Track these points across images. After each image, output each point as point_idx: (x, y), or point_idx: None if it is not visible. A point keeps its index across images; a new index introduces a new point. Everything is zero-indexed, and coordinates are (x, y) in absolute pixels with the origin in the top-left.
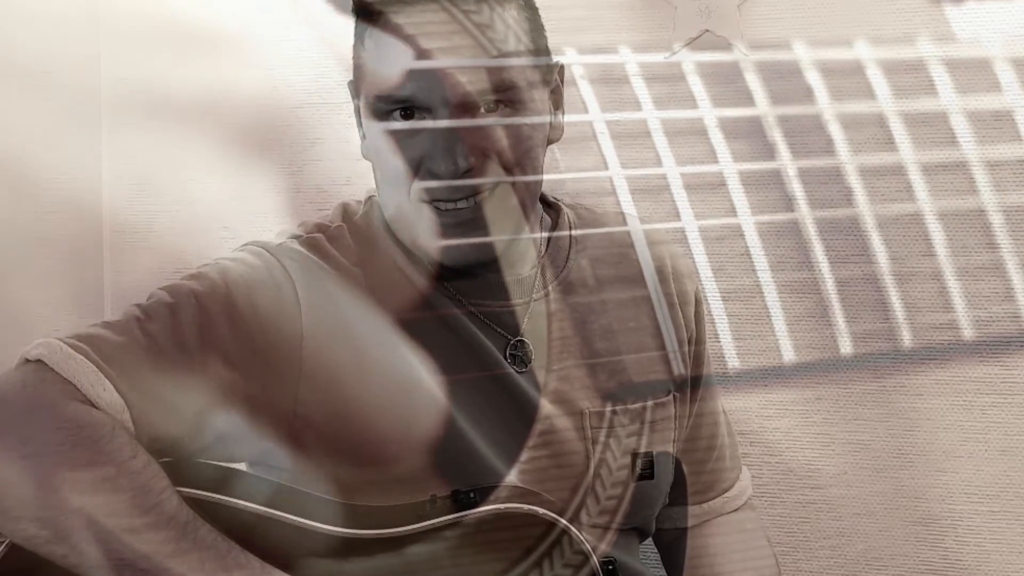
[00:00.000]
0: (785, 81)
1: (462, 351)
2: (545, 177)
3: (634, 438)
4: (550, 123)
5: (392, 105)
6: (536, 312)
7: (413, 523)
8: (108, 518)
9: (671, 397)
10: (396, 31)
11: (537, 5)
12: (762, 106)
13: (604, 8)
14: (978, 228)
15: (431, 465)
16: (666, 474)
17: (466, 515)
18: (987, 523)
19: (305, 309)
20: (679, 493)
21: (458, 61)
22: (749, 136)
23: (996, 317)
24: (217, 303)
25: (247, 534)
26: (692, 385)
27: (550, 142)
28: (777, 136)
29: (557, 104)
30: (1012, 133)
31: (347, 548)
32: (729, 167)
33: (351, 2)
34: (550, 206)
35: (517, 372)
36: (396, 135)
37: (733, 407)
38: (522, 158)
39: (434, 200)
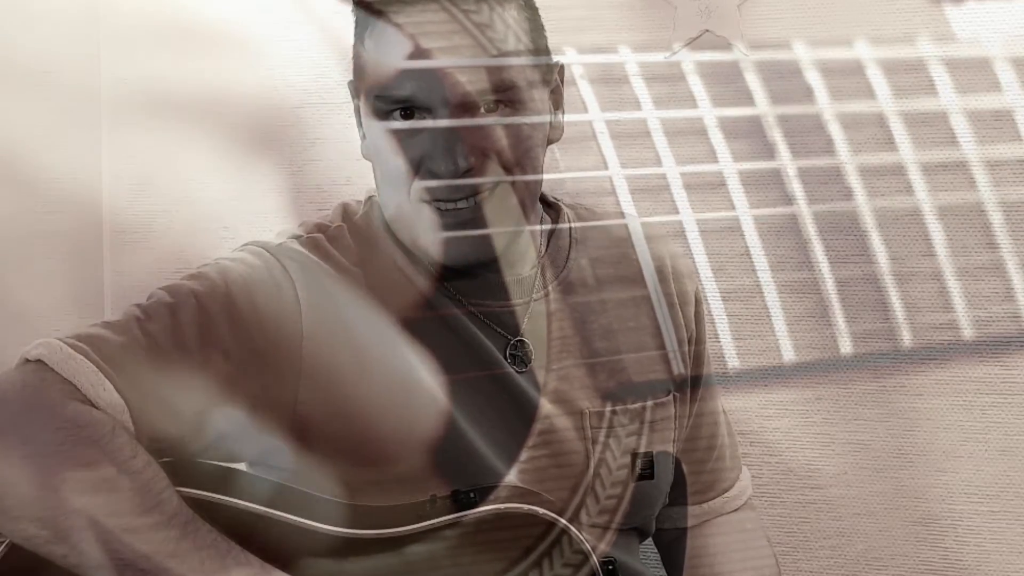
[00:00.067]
0: (785, 81)
1: (462, 351)
2: (545, 177)
3: (634, 438)
4: (550, 123)
5: (392, 105)
6: (536, 312)
7: (413, 523)
8: (108, 518)
9: (671, 397)
10: (396, 31)
11: (537, 5)
12: (762, 106)
13: (604, 8)
14: (978, 228)
15: (431, 465)
16: (666, 474)
17: (466, 515)
18: (987, 523)
19: (305, 309)
20: (679, 493)
21: (458, 61)
22: (749, 136)
23: (996, 317)
24: (217, 303)
25: (247, 534)
26: (692, 385)
27: (550, 142)
28: (777, 136)
29: (557, 104)
30: (1012, 133)
31: (347, 548)
32: (729, 167)
33: (351, 2)
34: (550, 206)
35: (517, 372)
36: (396, 135)
37: (733, 407)
38: (522, 158)
39: (434, 200)
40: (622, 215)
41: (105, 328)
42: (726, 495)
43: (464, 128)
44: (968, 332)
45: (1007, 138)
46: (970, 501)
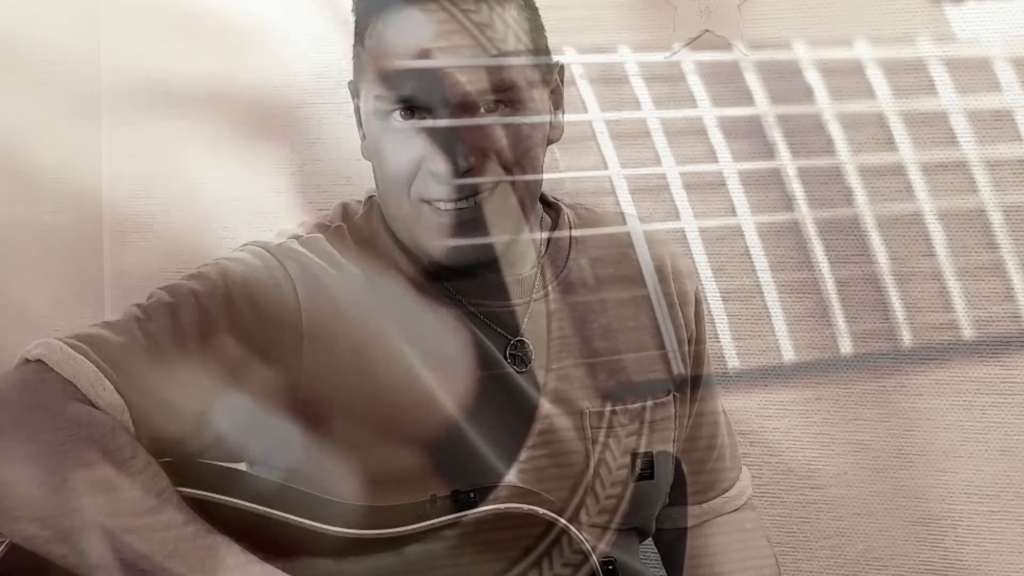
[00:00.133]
0: (785, 81)
1: (462, 351)
2: (545, 177)
3: (634, 438)
4: (550, 123)
5: (392, 105)
6: (536, 312)
7: (413, 523)
8: (108, 518)
9: (671, 397)
10: (396, 31)
11: (537, 5)
12: (762, 106)
13: (604, 8)
14: (978, 228)
15: (431, 465)
16: (666, 474)
17: (466, 515)
18: (987, 523)
19: (305, 309)
20: (679, 493)
21: (458, 60)
22: (749, 136)
23: (996, 317)
24: (217, 303)
25: (247, 534)
26: (692, 385)
27: (550, 142)
28: (777, 136)
29: (557, 104)
30: (1012, 133)
31: (347, 548)
32: (729, 167)
33: (351, 2)
34: (550, 206)
35: (517, 372)
36: (396, 135)
37: (733, 407)
38: (522, 158)
39: (434, 200)
40: (622, 215)
41: (105, 328)
42: (726, 495)
43: (464, 128)
44: (968, 332)
45: (1007, 138)
46: (970, 501)
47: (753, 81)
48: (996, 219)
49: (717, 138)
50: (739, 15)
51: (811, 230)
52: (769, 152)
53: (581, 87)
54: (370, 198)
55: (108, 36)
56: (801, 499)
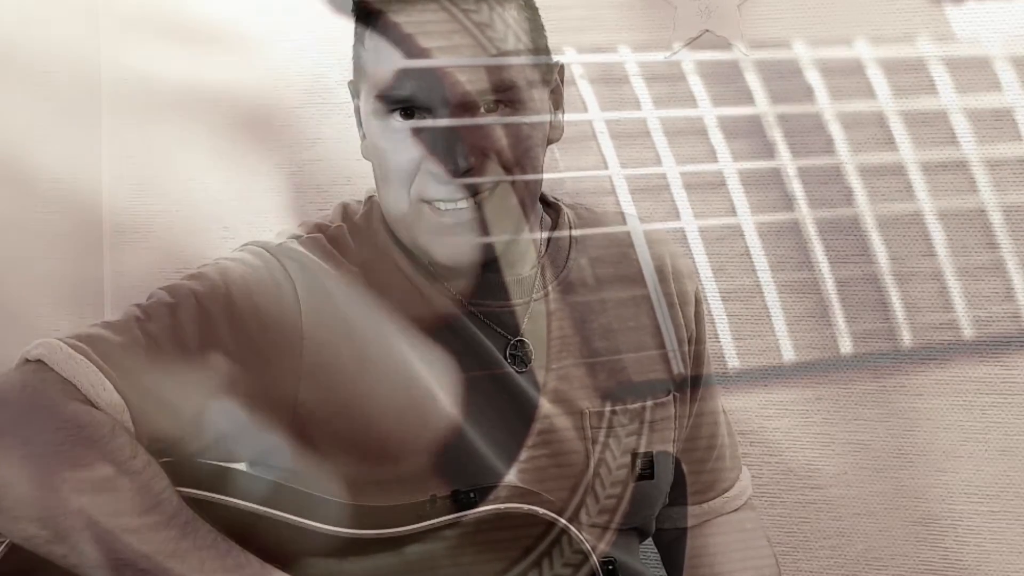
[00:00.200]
0: (785, 81)
1: (462, 351)
2: (545, 177)
3: (634, 438)
4: (550, 123)
5: (392, 105)
6: (536, 312)
7: (413, 523)
8: (108, 518)
9: (671, 397)
10: (396, 31)
11: (537, 5)
12: (762, 105)
13: (604, 8)
14: (978, 228)
15: (431, 465)
16: (666, 474)
17: (466, 515)
18: (987, 523)
19: (305, 309)
20: (679, 493)
21: (458, 60)
22: (749, 135)
23: (996, 317)
24: (217, 303)
25: (247, 534)
26: (692, 385)
27: (550, 142)
28: (777, 135)
29: (557, 104)
30: (1012, 132)
31: (347, 548)
32: (729, 166)
33: (351, 2)
34: (550, 206)
35: (517, 372)
36: (396, 135)
37: (733, 407)
38: (522, 158)
39: (434, 200)
40: (622, 215)
41: (105, 328)
42: (726, 495)
43: (464, 128)
44: (968, 332)
45: (1007, 138)
46: (970, 501)
47: (753, 81)
48: (996, 219)
49: (717, 138)
50: (739, 15)
51: (811, 230)
52: (769, 152)
53: (581, 87)
54: (370, 198)
55: (108, 38)
56: (801, 499)
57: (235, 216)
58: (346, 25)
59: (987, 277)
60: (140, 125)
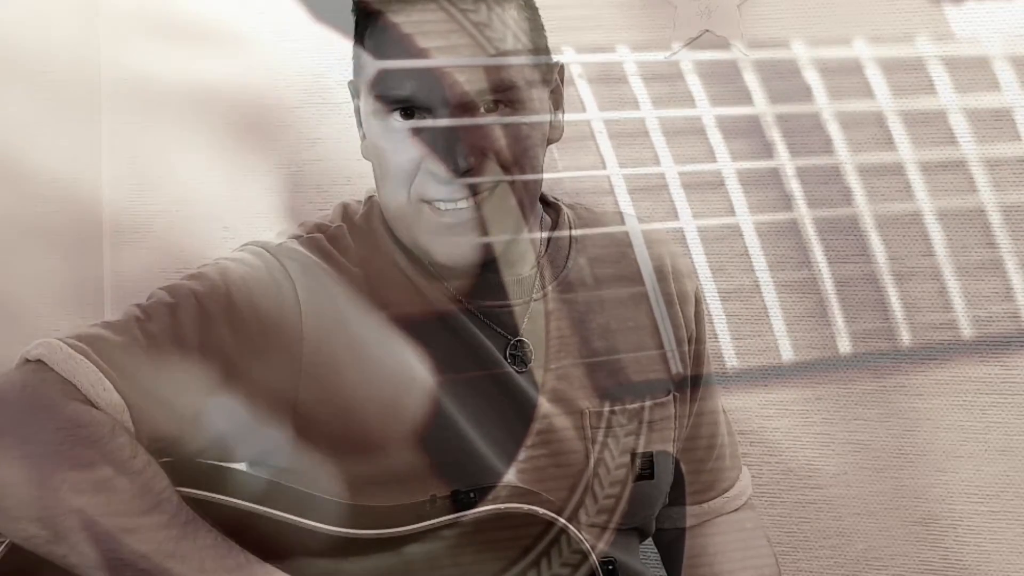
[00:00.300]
0: (784, 80)
1: (462, 351)
2: (545, 176)
3: (633, 438)
4: (550, 123)
5: (392, 105)
6: (535, 312)
7: (413, 523)
8: (108, 518)
9: (670, 397)
10: (396, 31)
11: (537, 5)
12: (761, 105)
13: (604, 8)
14: (977, 227)
15: (431, 465)
16: (666, 474)
17: (465, 515)
18: (987, 523)
19: (305, 309)
20: (679, 493)
21: (457, 60)
22: (748, 135)
23: (996, 317)
24: (217, 303)
25: (247, 534)
26: (692, 384)
27: (550, 142)
28: (776, 135)
29: (557, 104)
30: (1011, 132)
31: (347, 548)
32: (728, 166)
33: (351, 2)
34: (549, 206)
35: (517, 372)
36: (396, 135)
37: (733, 407)
38: (521, 158)
39: (434, 200)
40: (621, 215)
41: (105, 328)
42: (726, 495)
43: (464, 128)
44: (968, 332)
45: (1007, 137)
46: (970, 501)
47: (752, 81)
48: (996, 219)
49: (716, 138)
50: (739, 15)
51: (810, 230)
52: (768, 152)
53: (580, 87)
54: (370, 198)
55: (108, 38)
56: (801, 499)
57: (235, 216)
58: (346, 25)
59: (986, 277)
60: (140, 125)
